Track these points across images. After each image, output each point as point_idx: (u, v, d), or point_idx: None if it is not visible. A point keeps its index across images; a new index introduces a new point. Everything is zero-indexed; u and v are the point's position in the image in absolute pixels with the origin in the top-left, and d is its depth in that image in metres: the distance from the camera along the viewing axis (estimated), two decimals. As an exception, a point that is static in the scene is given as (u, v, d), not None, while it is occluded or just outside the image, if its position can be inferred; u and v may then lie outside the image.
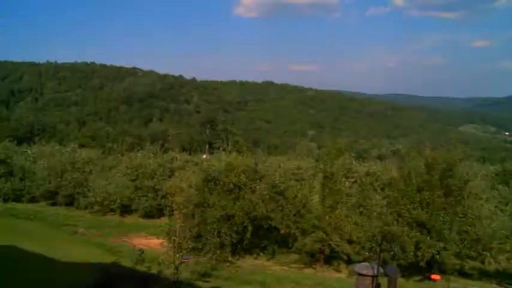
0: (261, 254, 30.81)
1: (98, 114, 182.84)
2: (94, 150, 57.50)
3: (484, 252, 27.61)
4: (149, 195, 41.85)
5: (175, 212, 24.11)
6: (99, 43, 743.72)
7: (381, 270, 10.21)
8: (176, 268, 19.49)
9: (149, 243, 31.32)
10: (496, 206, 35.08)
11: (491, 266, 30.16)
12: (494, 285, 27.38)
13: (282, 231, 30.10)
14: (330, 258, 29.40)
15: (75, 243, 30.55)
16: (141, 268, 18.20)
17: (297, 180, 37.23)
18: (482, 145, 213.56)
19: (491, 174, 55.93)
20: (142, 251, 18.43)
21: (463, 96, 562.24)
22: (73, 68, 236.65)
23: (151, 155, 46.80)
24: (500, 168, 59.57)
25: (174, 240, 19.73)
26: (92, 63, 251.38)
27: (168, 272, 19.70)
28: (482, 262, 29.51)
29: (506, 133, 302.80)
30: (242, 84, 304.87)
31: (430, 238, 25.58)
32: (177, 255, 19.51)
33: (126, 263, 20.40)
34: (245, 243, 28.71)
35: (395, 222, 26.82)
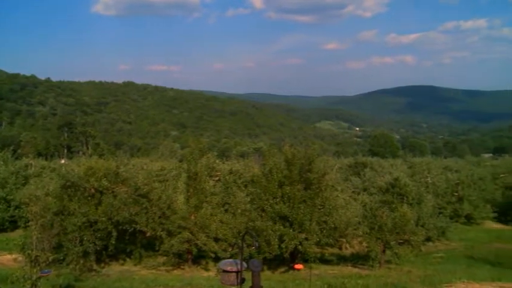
0: (128, 259, 30.06)
1: None
2: None
3: (341, 239, 29.88)
4: (0, 206, 38.52)
5: (31, 223, 22.52)
6: None
7: (245, 265, 10.44)
8: (33, 284, 18.25)
9: (1, 260, 28.94)
10: (350, 196, 37.97)
11: (347, 251, 32.73)
12: (350, 268, 29.72)
13: (148, 234, 29.60)
14: (198, 257, 29.59)
15: None
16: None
17: (160, 181, 36.85)
18: (337, 140, 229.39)
19: (345, 167, 60.80)
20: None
21: (318, 95, 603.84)
22: None
23: (2, 163, 43.07)
24: (353, 161, 65.05)
25: (29, 253, 18.41)
26: None
27: (24, 289, 18.37)
28: (340, 248, 31.92)
29: (357, 128, 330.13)
30: (101, 84, 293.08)
31: (293, 230, 26.81)
32: (34, 270, 18.27)
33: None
34: (110, 249, 27.74)
35: (259, 218, 27.74)
